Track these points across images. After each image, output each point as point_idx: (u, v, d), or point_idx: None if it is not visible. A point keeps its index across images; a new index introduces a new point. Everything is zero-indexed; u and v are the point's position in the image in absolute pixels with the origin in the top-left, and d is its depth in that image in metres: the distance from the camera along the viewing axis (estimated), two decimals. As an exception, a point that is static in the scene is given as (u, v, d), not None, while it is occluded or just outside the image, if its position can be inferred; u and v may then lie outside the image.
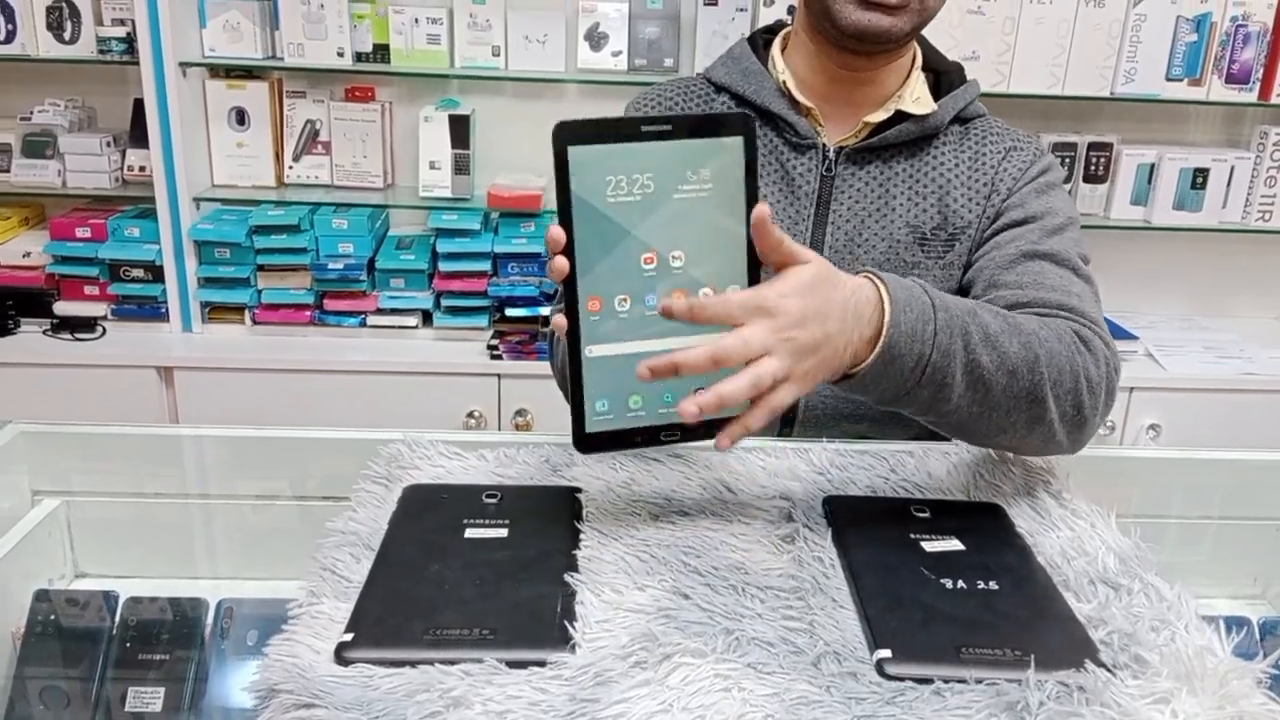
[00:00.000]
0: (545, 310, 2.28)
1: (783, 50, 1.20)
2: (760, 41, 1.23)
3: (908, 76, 1.17)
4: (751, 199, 0.81)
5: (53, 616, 0.90)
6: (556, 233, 0.77)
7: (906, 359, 0.84)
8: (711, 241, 0.81)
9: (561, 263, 0.78)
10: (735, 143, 0.80)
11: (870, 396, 0.87)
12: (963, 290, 1.14)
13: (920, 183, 1.15)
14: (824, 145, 1.15)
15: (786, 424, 1.17)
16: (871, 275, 0.85)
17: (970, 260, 1.15)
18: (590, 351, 0.81)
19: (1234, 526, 1.09)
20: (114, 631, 0.89)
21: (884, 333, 0.82)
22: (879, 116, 1.14)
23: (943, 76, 1.19)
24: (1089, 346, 0.97)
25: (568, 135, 0.76)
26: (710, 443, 0.85)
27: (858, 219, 1.15)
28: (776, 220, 1.10)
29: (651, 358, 0.75)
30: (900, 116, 1.14)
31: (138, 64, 2.17)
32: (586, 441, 0.83)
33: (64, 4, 2.22)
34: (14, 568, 0.91)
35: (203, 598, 0.92)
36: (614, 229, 0.78)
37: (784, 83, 1.16)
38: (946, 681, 0.68)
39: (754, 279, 0.82)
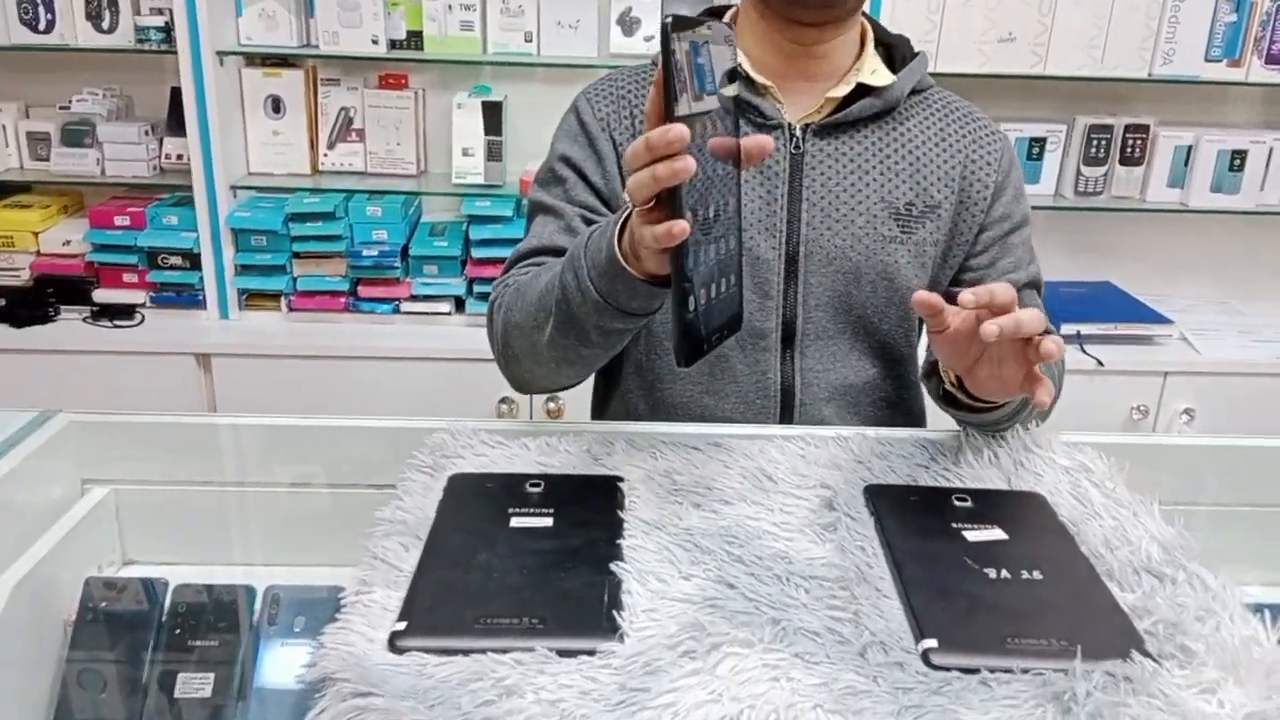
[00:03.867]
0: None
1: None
2: None
3: (861, 51, 1.17)
4: (736, 107, 0.85)
5: (103, 604, 0.91)
6: (683, 130, 0.75)
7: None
8: (723, 148, 0.84)
9: (690, 161, 0.76)
10: (728, 48, 0.83)
11: (974, 420, 1.05)
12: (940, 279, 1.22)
13: (891, 158, 1.16)
14: (789, 124, 1.15)
15: (786, 410, 1.18)
16: None
17: (953, 252, 1.20)
18: (701, 257, 0.81)
19: (1272, 513, 1.08)
20: (163, 618, 0.91)
21: None
22: (841, 91, 1.15)
23: (894, 50, 1.21)
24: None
25: (677, 28, 0.75)
26: (749, 431, 0.94)
27: (832, 195, 1.14)
28: (751, 200, 1.14)
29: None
30: (861, 91, 1.15)
31: (175, 53, 2.18)
32: (697, 351, 0.83)
33: (102, -7, 2.25)
34: (65, 555, 0.93)
35: (250, 584, 0.93)
36: (700, 129, 0.78)
37: (739, 64, 1.15)
38: (993, 671, 0.68)
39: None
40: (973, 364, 0.94)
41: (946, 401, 1.10)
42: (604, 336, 0.99)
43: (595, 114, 1.19)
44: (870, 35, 1.19)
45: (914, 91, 1.19)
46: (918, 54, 1.21)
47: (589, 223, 1.14)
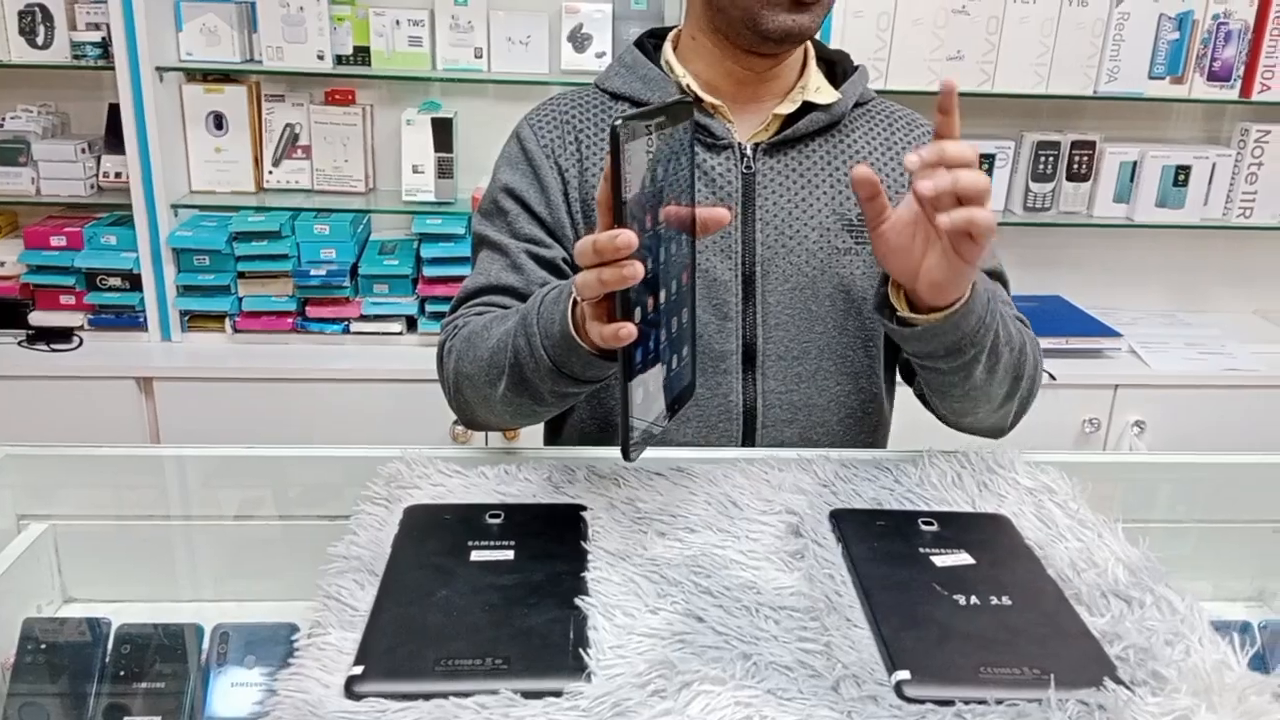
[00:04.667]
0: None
1: (674, 50, 1.19)
2: (649, 45, 1.22)
3: (805, 67, 1.19)
4: (692, 178, 0.84)
5: (42, 645, 0.88)
6: (630, 238, 0.74)
7: (978, 312, 0.95)
8: (678, 219, 0.83)
9: (638, 269, 0.75)
10: (685, 125, 0.82)
11: (932, 344, 0.97)
12: None
13: (839, 170, 1.17)
14: (739, 143, 1.15)
15: (748, 433, 1.16)
16: None
17: None
18: (652, 344, 0.80)
19: (1229, 529, 1.09)
20: (106, 659, 0.87)
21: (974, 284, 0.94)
22: (788, 109, 1.15)
23: (835, 65, 1.22)
24: (1039, 347, 1.14)
25: (626, 132, 0.73)
26: (711, 455, 0.92)
27: (785, 211, 1.15)
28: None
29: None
30: (806, 107, 1.16)
31: (113, 69, 2.13)
32: (637, 448, 0.82)
33: (37, 8, 2.18)
34: (1, 595, 0.89)
35: (197, 623, 0.90)
36: (654, 219, 0.78)
37: (687, 85, 1.15)
38: (967, 703, 0.67)
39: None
40: (921, 256, 0.92)
41: (901, 324, 1.01)
42: (559, 398, 0.99)
43: (539, 140, 1.17)
44: (812, 52, 1.20)
45: (857, 104, 1.20)
46: (857, 68, 1.22)
47: (534, 256, 1.13)
